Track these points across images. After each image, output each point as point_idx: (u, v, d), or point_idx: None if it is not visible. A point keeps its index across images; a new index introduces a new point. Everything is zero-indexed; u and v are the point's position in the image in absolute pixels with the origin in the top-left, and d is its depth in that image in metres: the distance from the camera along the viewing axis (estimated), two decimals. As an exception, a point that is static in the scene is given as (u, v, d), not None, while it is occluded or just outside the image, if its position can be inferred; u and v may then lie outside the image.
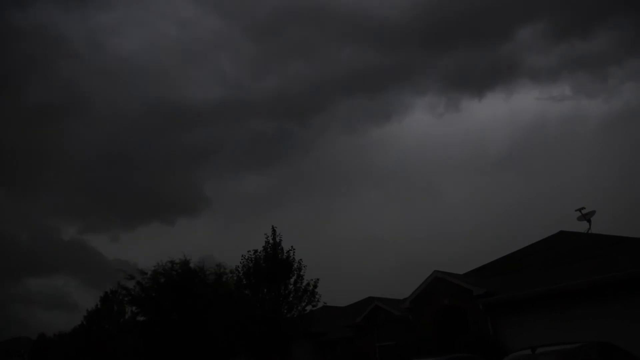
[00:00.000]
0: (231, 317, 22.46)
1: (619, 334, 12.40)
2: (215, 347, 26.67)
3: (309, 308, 22.23)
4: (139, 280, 29.17)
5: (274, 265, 21.78)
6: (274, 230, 22.78)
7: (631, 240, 16.88)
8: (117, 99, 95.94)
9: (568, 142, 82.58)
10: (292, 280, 21.98)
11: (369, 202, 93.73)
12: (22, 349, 74.10)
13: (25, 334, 78.24)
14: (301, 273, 22.13)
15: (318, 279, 22.12)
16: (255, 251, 22.39)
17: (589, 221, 20.43)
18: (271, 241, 22.52)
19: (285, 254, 22.31)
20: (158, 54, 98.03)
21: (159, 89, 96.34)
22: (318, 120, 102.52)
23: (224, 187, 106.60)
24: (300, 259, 22.36)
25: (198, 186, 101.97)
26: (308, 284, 21.92)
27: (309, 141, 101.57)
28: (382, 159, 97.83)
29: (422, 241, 79.29)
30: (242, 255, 22.57)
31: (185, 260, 29.95)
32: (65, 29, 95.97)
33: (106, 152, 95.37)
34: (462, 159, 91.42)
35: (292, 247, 22.58)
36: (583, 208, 20.75)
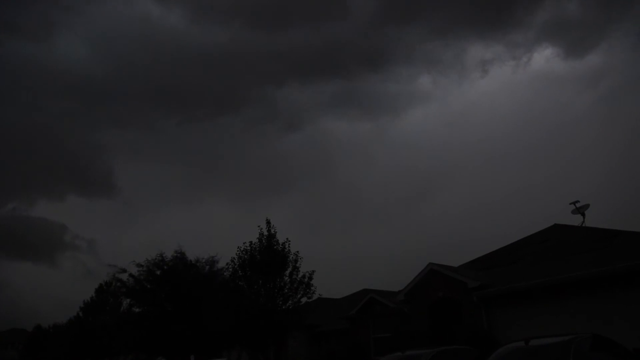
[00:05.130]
0: (226, 308, 22.49)
1: (612, 327, 12.52)
2: (210, 338, 26.75)
3: (304, 300, 22.30)
4: (132, 274, 29.27)
5: (269, 257, 21.78)
6: (268, 222, 22.75)
7: (625, 234, 16.96)
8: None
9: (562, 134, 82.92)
10: (287, 272, 22.01)
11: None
12: (17, 340, 74.02)
13: (22, 326, 78.18)
14: (297, 265, 22.16)
15: (313, 271, 22.18)
16: (251, 243, 22.39)
17: (583, 214, 20.53)
18: (265, 233, 22.49)
19: (280, 245, 22.32)
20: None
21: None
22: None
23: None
24: (297, 251, 22.41)
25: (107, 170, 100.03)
26: (303, 276, 21.97)
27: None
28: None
29: (418, 234, 79.65)
30: (237, 247, 22.60)
31: (180, 252, 30.03)
32: None
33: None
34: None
35: (287, 239, 22.62)
36: (577, 201, 20.85)
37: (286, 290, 21.83)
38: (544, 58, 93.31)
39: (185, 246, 30.53)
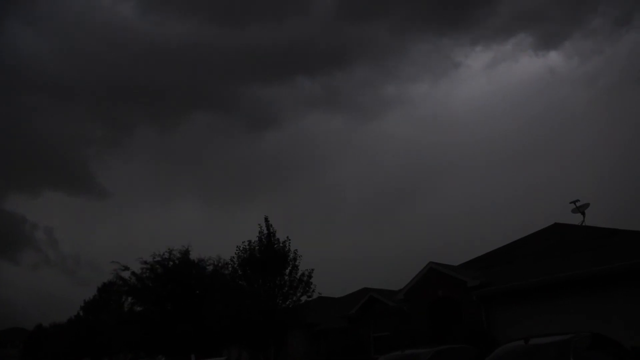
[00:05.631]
0: (227, 307, 22.48)
1: (611, 326, 12.52)
2: (211, 337, 26.75)
3: (304, 298, 22.28)
4: (134, 271, 29.27)
5: (269, 255, 21.76)
6: (267, 221, 22.71)
7: (625, 233, 16.95)
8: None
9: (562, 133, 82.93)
10: (287, 270, 21.98)
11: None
12: (17, 339, 74.02)
13: (22, 325, 78.20)
14: (296, 263, 22.14)
15: (313, 270, 22.15)
16: (250, 242, 22.37)
17: (583, 213, 20.50)
18: (265, 231, 22.46)
19: (280, 244, 22.30)
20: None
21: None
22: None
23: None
24: (296, 250, 22.38)
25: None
26: (303, 275, 21.94)
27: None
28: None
29: (418, 233, 79.69)
30: (237, 246, 22.58)
31: (185, 250, 30.00)
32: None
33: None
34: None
35: (287, 237, 22.59)
36: (577, 200, 20.82)
37: (286, 289, 21.81)
38: (518, 48, 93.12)
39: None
